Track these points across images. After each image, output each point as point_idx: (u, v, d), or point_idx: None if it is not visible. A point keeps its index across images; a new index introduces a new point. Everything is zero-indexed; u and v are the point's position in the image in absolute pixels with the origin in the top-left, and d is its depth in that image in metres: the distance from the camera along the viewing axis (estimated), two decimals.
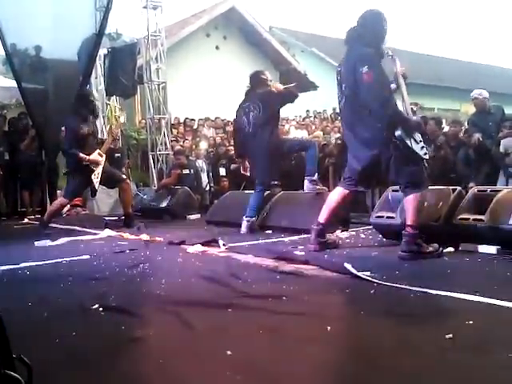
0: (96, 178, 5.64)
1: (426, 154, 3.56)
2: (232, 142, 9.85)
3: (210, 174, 9.16)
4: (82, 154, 5.50)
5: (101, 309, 2.38)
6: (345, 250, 3.91)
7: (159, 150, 9.52)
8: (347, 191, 3.84)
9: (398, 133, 3.43)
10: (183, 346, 1.92)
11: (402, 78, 3.67)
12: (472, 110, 7.08)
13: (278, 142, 5.09)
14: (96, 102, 5.95)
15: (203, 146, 9.81)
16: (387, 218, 4.22)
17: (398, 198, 3.95)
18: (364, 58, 3.52)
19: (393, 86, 3.74)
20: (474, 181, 5.84)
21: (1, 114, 8.70)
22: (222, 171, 8.91)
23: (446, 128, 7.45)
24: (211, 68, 14.05)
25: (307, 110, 15.01)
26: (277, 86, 5.33)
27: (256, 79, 5.21)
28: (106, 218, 6.74)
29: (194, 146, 9.99)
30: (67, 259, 3.80)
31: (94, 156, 5.60)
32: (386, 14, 3.68)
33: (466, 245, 3.71)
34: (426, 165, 3.65)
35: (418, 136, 3.52)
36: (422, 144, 3.54)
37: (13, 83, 7.68)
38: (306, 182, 5.04)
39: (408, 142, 3.43)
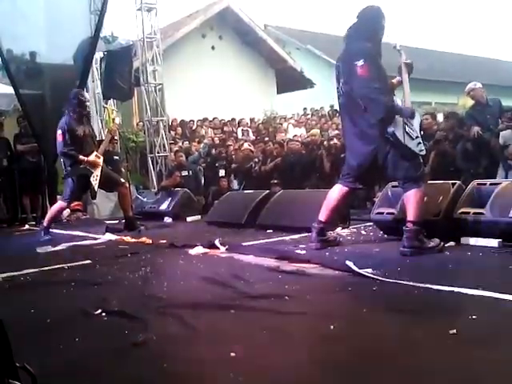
0: (95, 180, 5.62)
1: (421, 150, 3.54)
2: (229, 143, 9.89)
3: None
4: (80, 156, 5.48)
5: (103, 313, 2.39)
6: (346, 248, 3.91)
7: (158, 152, 9.50)
8: (346, 188, 3.84)
9: (390, 129, 3.41)
10: (186, 348, 1.92)
11: (407, 69, 3.67)
12: (469, 103, 7.07)
13: None
14: (87, 102, 5.90)
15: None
16: (387, 214, 4.22)
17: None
18: (360, 51, 3.52)
19: (398, 78, 3.74)
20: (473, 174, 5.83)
21: None
22: (222, 172, 8.90)
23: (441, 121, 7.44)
24: (207, 68, 14.03)
25: (304, 108, 15.00)
26: None
27: None
28: (107, 222, 6.73)
29: (193, 148, 9.98)
30: (69, 264, 3.79)
31: (92, 158, 5.58)
32: (383, 9, 3.67)
33: (467, 239, 3.71)
34: (422, 160, 3.64)
35: (414, 132, 3.50)
36: (418, 140, 3.52)
37: (10, 89, 7.67)
38: None
39: (401, 138, 3.41)
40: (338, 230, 4.71)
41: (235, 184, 8.62)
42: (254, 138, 11.36)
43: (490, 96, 6.66)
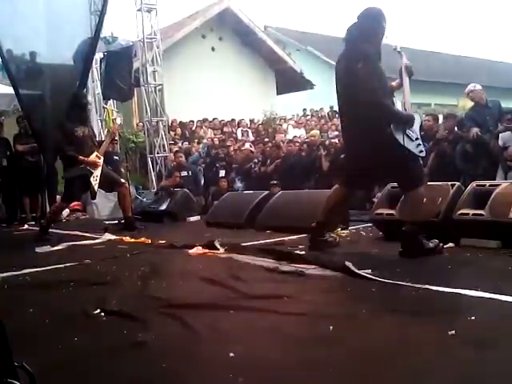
0: (95, 181, 5.62)
1: (421, 151, 3.53)
2: (228, 143, 9.90)
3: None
4: (80, 157, 5.49)
5: (102, 313, 2.38)
6: (345, 249, 3.91)
7: (157, 153, 9.51)
8: (345, 189, 3.84)
9: (390, 131, 3.40)
10: (185, 349, 1.92)
11: (407, 73, 3.66)
12: (469, 104, 7.08)
13: None
14: (89, 103, 5.93)
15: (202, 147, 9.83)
16: (387, 215, 4.23)
17: None
18: (360, 53, 3.51)
19: (397, 81, 3.74)
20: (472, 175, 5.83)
21: None
22: (222, 172, 8.91)
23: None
24: (207, 69, 14.04)
25: (304, 109, 15.03)
26: None
27: None
28: (106, 222, 6.73)
29: (192, 149, 10.00)
30: (68, 264, 3.79)
31: (92, 158, 5.59)
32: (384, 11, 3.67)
33: (467, 240, 3.71)
34: (421, 162, 3.64)
35: (413, 133, 3.49)
36: (418, 141, 3.51)
37: (10, 89, 7.67)
38: None
39: (401, 140, 3.40)
40: (338, 230, 4.71)
41: (238, 184, 8.62)
42: (254, 138, 11.37)
43: (489, 98, 6.67)
